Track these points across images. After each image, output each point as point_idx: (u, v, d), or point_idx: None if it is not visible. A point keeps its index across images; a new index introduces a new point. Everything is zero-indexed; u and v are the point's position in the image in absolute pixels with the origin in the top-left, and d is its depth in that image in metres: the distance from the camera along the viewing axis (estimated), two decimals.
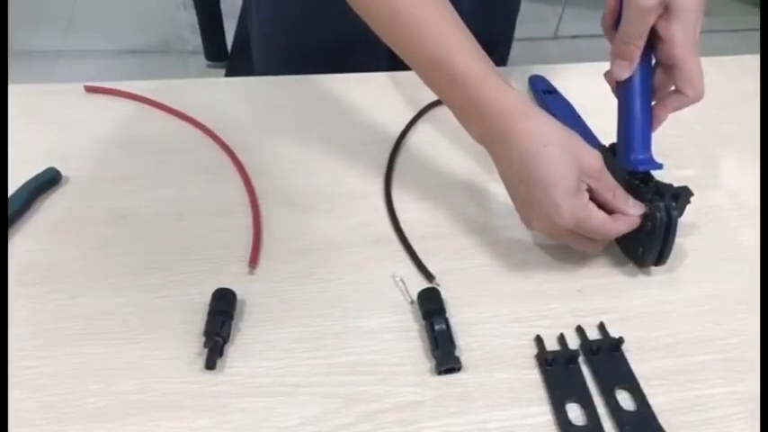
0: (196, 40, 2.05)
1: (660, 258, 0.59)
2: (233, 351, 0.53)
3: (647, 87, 0.60)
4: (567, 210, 0.55)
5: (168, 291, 0.57)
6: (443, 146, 0.72)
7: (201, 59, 2.07)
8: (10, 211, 0.61)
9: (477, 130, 0.58)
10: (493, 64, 0.57)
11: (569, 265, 0.61)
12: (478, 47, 0.57)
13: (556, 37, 2.19)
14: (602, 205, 0.57)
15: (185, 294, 0.57)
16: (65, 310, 0.55)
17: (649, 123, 0.60)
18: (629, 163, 0.60)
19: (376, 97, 0.77)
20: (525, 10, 0.99)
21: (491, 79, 0.56)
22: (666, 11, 0.56)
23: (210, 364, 0.51)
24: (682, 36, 0.56)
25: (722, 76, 0.84)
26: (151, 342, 0.53)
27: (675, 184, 0.60)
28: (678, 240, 0.58)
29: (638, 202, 0.58)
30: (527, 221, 0.60)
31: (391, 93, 0.77)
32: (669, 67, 0.59)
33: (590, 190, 0.57)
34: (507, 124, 0.56)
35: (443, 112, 0.75)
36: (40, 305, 0.56)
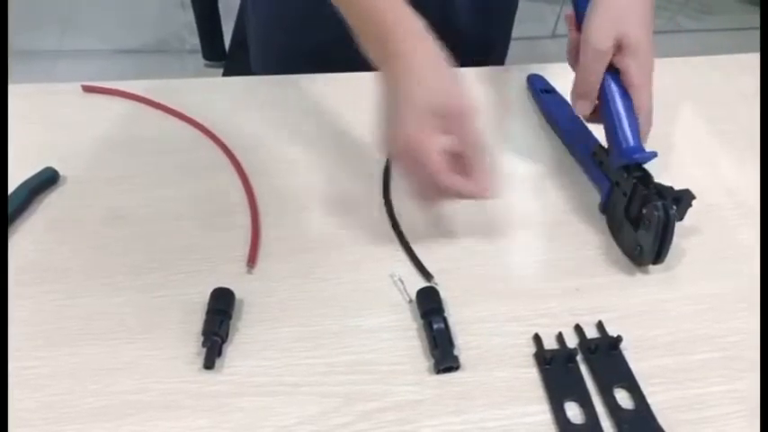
0: (194, 40, 2.05)
1: (658, 257, 0.59)
2: (231, 351, 0.53)
3: (622, 87, 0.62)
4: (411, 129, 0.55)
5: (167, 290, 0.57)
6: None
7: (199, 59, 2.07)
8: (8, 211, 0.61)
9: (376, 47, 0.58)
10: None
11: (568, 263, 0.61)
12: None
13: (554, 36, 2.19)
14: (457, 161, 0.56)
15: (184, 294, 0.57)
16: (63, 310, 0.55)
17: (635, 117, 0.61)
18: (622, 154, 0.60)
19: (375, 96, 0.76)
20: (523, 9, 0.99)
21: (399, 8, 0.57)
22: (620, 49, 0.61)
23: (209, 364, 0.51)
24: (635, 68, 0.61)
25: (722, 75, 0.84)
26: (149, 342, 0.53)
27: (676, 186, 0.60)
28: (677, 239, 0.58)
29: (486, 172, 0.57)
30: (385, 141, 0.59)
31: None
32: (628, 89, 0.62)
33: (446, 132, 0.55)
34: (402, 45, 0.56)
35: None
36: (39, 305, 0.56)
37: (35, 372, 0.51)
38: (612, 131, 0.62)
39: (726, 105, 0.80)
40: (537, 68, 0.81)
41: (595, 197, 0.67)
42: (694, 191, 0.59)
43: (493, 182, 0.57)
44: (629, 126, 0.61)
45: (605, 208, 0.65)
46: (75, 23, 2.17)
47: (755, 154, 0.73)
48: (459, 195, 0.57)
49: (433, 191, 0.57)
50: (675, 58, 0.84)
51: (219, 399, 0.50)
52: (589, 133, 0.69)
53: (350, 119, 0.74)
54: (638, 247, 0.59)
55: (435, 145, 0.55)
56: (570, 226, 0.64)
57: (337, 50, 0.83)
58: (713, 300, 0.59)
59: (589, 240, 0.63)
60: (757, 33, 0.94)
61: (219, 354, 0.53)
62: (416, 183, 0.58)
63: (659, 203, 0.57)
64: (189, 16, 2.00)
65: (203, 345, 0.52)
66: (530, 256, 0.62)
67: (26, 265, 0.58)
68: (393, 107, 0.56)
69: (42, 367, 0.51)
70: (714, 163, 0.72)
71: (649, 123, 0.62)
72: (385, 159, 0.69)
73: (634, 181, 0.60)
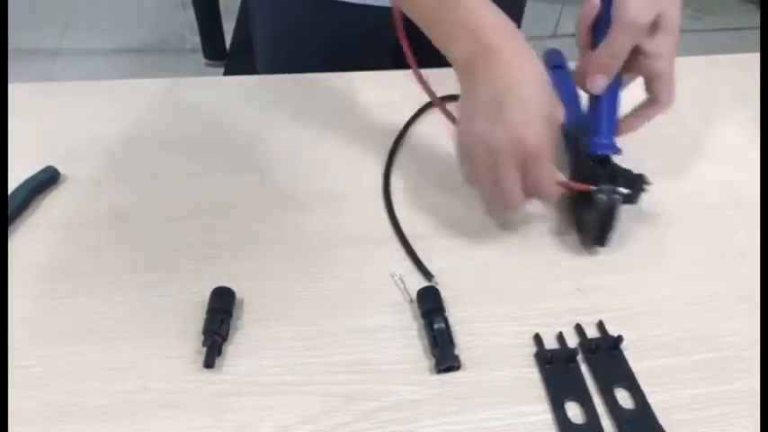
0: (195, 39, 2.05)
1: (600, 240, 0.60)
2: (232, 350, 0.53)
3: (617, 79, 0.61)
4: (538, 130, 0.54)
5: (167, 289, 0.57)
6: (442, 144, 0.72)
7: (200, 58, 2.07)
8: (9, 210, 0.61)
9: (463, 49, 0.56)
10: None
11: (568, 263, 0.61)
12: None
13: (555, 35, 2.19)
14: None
15: (184, 293, 0.57)
16: (64, 309, 0.55)
17: (615, 112, 0.62)
18: (589, 145, 0.62)
19: (375, 96, 0.76)
20: (524, 8, 0.99)
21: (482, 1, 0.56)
22: (655, 27, 0.57)
23: (209, 363, 0.51)
24: (667, 51, 0.58)
25: (722, 75, 0.84)
26: (150, 341, 0.53)
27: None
28: (677, 239, 0.58)
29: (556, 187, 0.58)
30: (468, 133, 0.57)
31: (390, 91, 0.77)
32: (647, 79, 0.60)
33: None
34: (496, 40, 0.55)
35: None
36: (39, 304, 0.55)
37: (35, 371, 0.51)
38: (590, 122, 0.62)
39: (726, 105, 0.80)
40: None
41: None
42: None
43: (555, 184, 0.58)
44: (607, 121, 0.62)
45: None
46: (75, 22, 2.17)
47: (755, 154, 0.73)
48: (512, 206, 0.58)
49: (516, 197, 0.57)
50: (675, 58, 0.84)
51: (220, 398, 0.50)
52: (582, 112, 0.68)
53: (351, 118, 0.74)
54: (585, 228, 0.61)
55: (549, 151, 0.55)
56: (570, 226, 0.64)
57: (342, 51, 0.83)
58: (713, 300, 0.59)
59: None
60: (757, 33, 0.94)
61: (220, 353, 0.53)
62: (507, 192, 0.57)
63: (605, 187, 0.58)
64: (189, 15, 2.00)
65: (204, 344, 0.52)
66: (530, 255, 0.62)
67: (26, 264, 0.58)
68: (502, 108, 0.54)
69: (43, 366, 0.52)
70: (714, 163, 0.72)
71: (673, 101, 0.60)
72: (387, 157, 0.69)
73: (591, 163, 0.61)
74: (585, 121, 0.66)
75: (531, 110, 0.54)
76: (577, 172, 0.63)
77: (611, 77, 0.60)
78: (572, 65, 0.68)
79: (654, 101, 0.61)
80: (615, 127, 0.62)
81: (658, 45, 0.58)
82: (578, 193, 0.61)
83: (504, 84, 0.54)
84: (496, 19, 0.55)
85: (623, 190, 0.59)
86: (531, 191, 0.57)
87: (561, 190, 0.59)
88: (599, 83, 0.60)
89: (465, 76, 0.57)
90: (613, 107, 0.62)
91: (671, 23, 0.57)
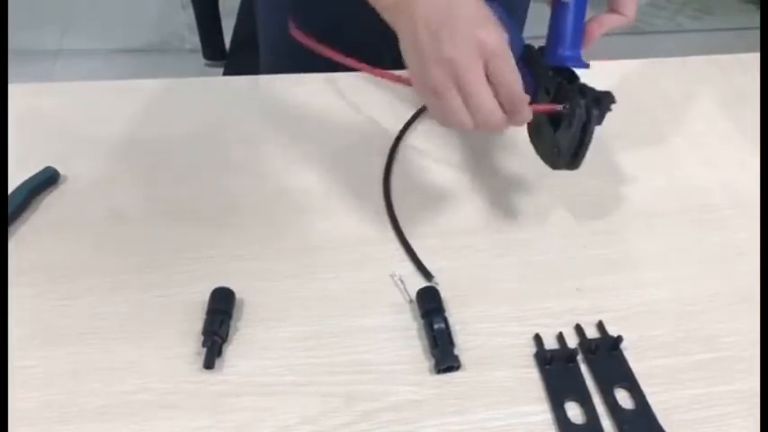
0: (194, 40, 2.05)
1: (574, 159, 0.57)
2: (232, 350, 0.53)
3: None
4: (493, 29, 0.52)
5: (167, 290, 0.57)
6: (443, 144, 0.72)
7: (200, 58, 2.06)
8: (8, 211, 0.61)
9: None
10: None
11: (568, 263, 0.61)
12: None
13: None
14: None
15: (184, 293, 0.57)
16: (64, 310, 0.55)
17: (582, 23, 0.59)
18: (555, 58, 0.59)
19: (375, 96, 0.76)
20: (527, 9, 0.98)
21: None
22: None
23: (209, 364, 0.51)
24: None
25: (722, 75, 0.84)
26: (150, 341, 0.53)
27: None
28: (677, 239, 0.58)
29: (529, 109, 0.55)
30: (418, 49, 0.53)
31: (391, 91, 0.77)
32: None
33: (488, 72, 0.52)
34: None
35: None
36: (39, 305, 0.55)
37: (35, 371, 0.51)
38: (554, 31, 0.59)
39: (726, 105, 0.80)
40: None
41: (595, 197, 0.67)
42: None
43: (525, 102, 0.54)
44: (573, 32, 0.59)
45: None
46: (75, 23, 2.17)
47: (755, 154, 0.73)
48: (495, 125, 0.54)
49: (494, 109, 0.53)
50: (675, 58, 0.84)
51: (220, 398, 0.50)
52: (519, 35, 0.64)
53: (351, 118, 0.74)
54: (556, 149, 0.58)
55: (481, 73, 0.51)
56: (571, 226, 0.64)
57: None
58: (713, 300, 0.59)
59: (589, 240, 0.63)
60: (757, 33, 0.94)
61: (219, 354, 0.53)
62: (476, 102, 0.53)
63: (582, 102, 0.55)
64: (189, 16, 2.00)
65: (203, 344, 0.52)
66: (530, 255, 0.62)
67: (27, 264, 0.58)
68: (434, 20, 0.51)
69: (43, 366, 0.51)
70: (714, 163, 0.72)
71: (633, 17, 0.59)
72: (387, 157, 0.69)
73: (559, 80, 0.58)
74: (523, 42, 0.63)
75: (481, 11, 0.52)
76: (540, 91, 0.60)
77: None
78: None
79: (613, 11, 0.59)
80: (580, 41, 0.59)
81: None
82: (544, 114, 0.58)
83: (444, 2, 0.52)
84: None
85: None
86: (504, 101, 0.53)
87: (527, 98, 0.54)
88: None
89: (400, 12, 0.54)
90: (579, 20, 0.59)
91: None
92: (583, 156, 0.57)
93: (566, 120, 0.56)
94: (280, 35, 0.90)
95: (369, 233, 0.63)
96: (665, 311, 0.58)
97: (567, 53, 0.58)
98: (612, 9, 0.59)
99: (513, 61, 0.53)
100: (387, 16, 0.55)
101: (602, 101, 0.56)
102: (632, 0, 0.59)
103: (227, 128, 0.72)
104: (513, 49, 0.56)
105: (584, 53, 0.59)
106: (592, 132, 0.55)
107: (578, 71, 0.59)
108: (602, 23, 0.60)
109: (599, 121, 0.57)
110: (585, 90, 0.57)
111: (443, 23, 0.51)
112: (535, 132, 0.61)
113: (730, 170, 0.71)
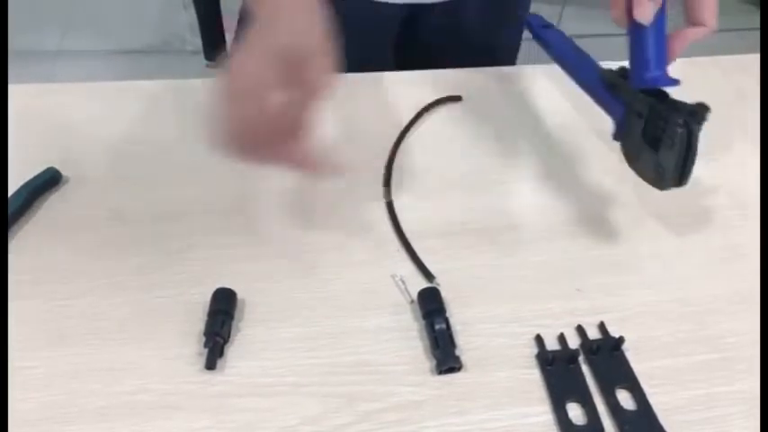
0: (196, 41, 2.05)
1: (682, 177, 0.56)
2: (233, 351, 0.53)
3: (663, 8, 0.57)
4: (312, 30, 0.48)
5: (168, 291, 0.57)
6: (443, 146, 0.72)
7: (201, 60, 2.06)
8: (9, 212, 0.61)
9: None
10: None
11: (569, 264, 0.61)
12: None
13: None
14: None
15: (185, 294, 0.57)
16: (64, 311, 0.55)
17: (664, 41, 0.58)
18: (643, 81, 0.57)
19: (376, 97, 0.77)
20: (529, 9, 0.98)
21: None
22: None
23: (210, 365, 0.51)
24: None
25: (722, 76, 0.84)
26: (151, 342, 0.53)
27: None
28: (678, 240, 0.58)
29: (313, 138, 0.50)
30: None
31: (391, 92, 0.77)
32: (686, 3, 0.57)
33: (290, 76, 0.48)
34: None
35: (445, 112, 0.75)
36: (40, 305, 0.55)
37: (36, 372, 0.51)
38: (637, 54, 0.58)
39: (726, 105, 0.79)
40: (538, 69, 0.81)
41: (596, 198, 0.67)
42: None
43: (320, 156, 0.50)
44: (657, 53, 0.57)
45: (620, 133, 0.61)
46: (75, 24, 2.17)
47: (756, 154, 0.73)
48: (278, 158, 0.50)
49: (251, 143, 0.49)
50: (677, 59, 0.84)
51: (221, 399, 0.50)
52: (592, 61, 0.66)
53: (352, 119, 0.74)
54: (661, 169, 0.56)
55: (268, 91, 0.47)
56: (571, 226, 0.64)
57: (346, 51, 0.83)
58: (714, 301, 0.59)
59: (591, 241, 0.63)
60: (757, 34, 0.94)
61: (221, 354, 0.53)
62: (235, 128, 0.50)
63: (681, 120, 0.54)
64: (190, 17, 2.00)
65: (205, 345, 0.52)
66: (531, 256, 0.62)
67: (27, 265, 0.58)
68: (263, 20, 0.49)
69: (43, 367, 0.51)
70: (714, 163, 0.72)
71: (715, 24, 0.57)
72: (388, 158, 0.69)
73: (651, 101, 0.57)
74: (599, 68, 0.63)
75: (259, 46, 0.47)
76: (631, 115, 0.59)
77: (659, 2, 0.56)
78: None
79: (692, 24, 0.58)
80: (665, 59, 0.58)
81: None
82: (643, 136, 0.57)
83: (268, 11, 0.49)
84: None
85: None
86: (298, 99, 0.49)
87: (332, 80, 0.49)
88: (647, 10, 0.56)
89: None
90: (662, 37, 0.57)
91: None
92: (690, 172, 0.56)
93: (667, 140, 0.55)
94: None
95: (370, 233, 0.63)
96: (666, 312, 0.58)
97: (656, 74, 0.57)
98: (692, 21, 0.58)
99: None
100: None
101: (698, 113, 0.56)
102: (710, 7, 0.57)
103: None
104: (585, 79, 0.56)
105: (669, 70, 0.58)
106: (696, 147, 0.55)
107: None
108: (684, 38, 0.59)
109: (697, 134, 0.56)
110: (680, 106, 0.56)
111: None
112: (636, 158, 0.60)
113: (731, 171, 0.71)
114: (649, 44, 0.57)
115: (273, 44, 0.47)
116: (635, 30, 0.58)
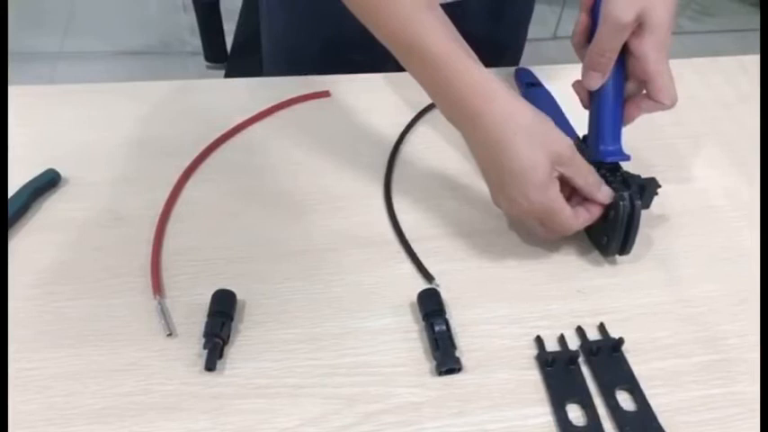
0: (195, 42, 2.05)
1: (623, 248, 0.59)
2: (233, 352, 0.53)
3: (620, 84, 0.61)
4: (536, 202, 0.56)
5: (168, 292, 0.57)
6: (443, 147, 0.72)
7: (201, 61, 2.06)
8: (9, 213, 0.61)
9: (447, 110, 0.58)
10: (465, 44, 0.56)
11: (569, 265, 0.61)
12: (450, 26, 0.56)
13: (555, 37, 2.19)
14: (573, 191, 0.58)
15: (185, 295, 0.57)
16: (65, 312, 0.55)
17: (620, 117, 0.61)
18: (597, 154, 0.61)
19: (376, 98, 0.77)
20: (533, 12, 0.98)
21: (459, 57, 0.55)
22: (640, 27, 0.58)
23: (210, 366, 0.51)
24: (654, 53, 0.58)
25: (722, 77, 0.84)
26: (151, 343, 0.53)
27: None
28: (679, 241, 0.58)
29: (609, 189, 0.58)
30: (496, 202, 0.60)
31: (391, 93, 0.77)
32: (642, 81, 0.60)
33: (562, 177, 0.57)
34: (473, 105, 0.55)
35: None
36: (40, 307, 0.55)
37: (36, 373, 0.51)
38: (594, 126, 0.62)
39: (726, 106, 0.80)
40: (539, 70, 0.81)
41: None
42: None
43: (604, 193, 0.58)
44: (613, 127, 0.61)
45: None
46: (76, 25, 2.17)
47: (756, 155, 0.73)
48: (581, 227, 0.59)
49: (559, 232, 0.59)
50: (676, 60, 0.83)
51: (221, 401, 0.50)
52: (569, 126, 0.68)
53: (352, 120, 0.74)
54: (605, 238, 0.59)
55: (561, 204, 0.56)
56: (589, 239, 0.64)
57: (348, 50, 0.83)
58: (714, 302, 0.59)
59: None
60: (757, 35, 0.94)
61: (221, 356, 0.53)
62: (546, 232, 0.60)
63: (626, 194, 0.57)
64: (190, 18, 1.99)
65: (205, 347, 0.52)
66: (531, 257, 0.62)
67: (27, 266, 0.58)
68: (498, 175, 0.57)
69: (44, 369, 0.51)
70: (714, 164, 0.72)
71: (674, 102, 0.60)
72: (388, 159, 0.69)
73: (603, 172, 0.60)
74: (572, 133, 0.66)
75: (523, 180, 0.55)
76: None
77: (605, 75, 0.60)
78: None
79: (651, 99, 0.60)
80: (620, 133, 0.61)
81: (641, 44, 0.58)
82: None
83: (490, 152, 0.56)
84: (468, 72, 0.55)
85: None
86: (584, 195, 0.59)
87: (584, 223, 0.59)
88: (593, 79, 0.60)
89: (457, 128, 0.58)
90: (618, 113, 0.61)
91: (656, 23, 0.57)
92: (632, 243, 0.59)
93: (612, 213, 0.58)
94: (283, 35, 0.90)
95: (370, 235, 0.63)
96: (666, 313, 0.58)
97: (609, 148, 0.61)
98: (651, 97, 0.60)
99: (580, 157, 0.57)
100: (452, 123, 0.59)
101: (647, 188, 0.59)
102: (670, 88, 0.59)
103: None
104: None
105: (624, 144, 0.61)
106: (638, 221, 0.57)
107: None
108: (639, 107, 0.61)
109: (647, 206, 0.59)
110: (629, 181, 0.59)
111: (500, 177, 0.57)
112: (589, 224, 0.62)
113: (731, 172, 0.71)
114: (606, 117, 0.61)
115: (542, 163, 0.55)
116: (592, 102, 0.62)
